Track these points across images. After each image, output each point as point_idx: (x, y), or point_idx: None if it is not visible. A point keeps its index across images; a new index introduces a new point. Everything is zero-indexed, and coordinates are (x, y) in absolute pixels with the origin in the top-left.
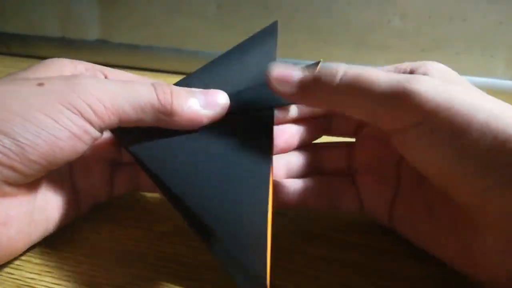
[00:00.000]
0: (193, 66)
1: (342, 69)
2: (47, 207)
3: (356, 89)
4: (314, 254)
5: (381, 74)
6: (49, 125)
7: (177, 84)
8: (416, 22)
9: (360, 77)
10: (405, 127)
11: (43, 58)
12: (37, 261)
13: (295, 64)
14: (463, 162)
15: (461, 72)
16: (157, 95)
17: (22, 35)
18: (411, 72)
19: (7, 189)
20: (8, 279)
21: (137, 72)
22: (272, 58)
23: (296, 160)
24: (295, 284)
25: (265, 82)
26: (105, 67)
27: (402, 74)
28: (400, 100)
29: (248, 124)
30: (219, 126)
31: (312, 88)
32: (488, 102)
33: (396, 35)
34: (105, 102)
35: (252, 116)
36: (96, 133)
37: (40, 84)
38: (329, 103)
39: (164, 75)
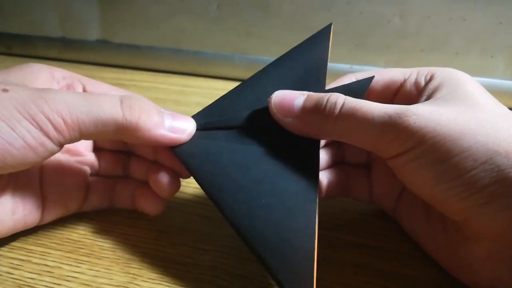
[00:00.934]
0: (193, 66)
1: (340, 101)
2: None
3: (353, 122)
4: None
5: (375, 108)
6: (4, 130)
7: (234, 90)
8: (416, 22)
9: (356, 110)
10: (397, 155)
11: (44, 58)
12: (37, 261)
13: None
14: (445, 186)
15: None
16: (122, 110)
17: (23, 35)
18: (431, 77)
19: None
20: (8, 279)
21: (138, 72)
22: (324, 62)
23: (323, 155)
24: None
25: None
26: (83, 77)
27: (396, 106)
28: (392, 133)
29: (296, 141)
30: (269, 141)
31: (313, 119)
32: (478, 126)
33: (396, 35)
34: (65, 118)
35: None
36: (54, 147)
37: (4, 90)
38: (327, 134)
39: (164, 75)
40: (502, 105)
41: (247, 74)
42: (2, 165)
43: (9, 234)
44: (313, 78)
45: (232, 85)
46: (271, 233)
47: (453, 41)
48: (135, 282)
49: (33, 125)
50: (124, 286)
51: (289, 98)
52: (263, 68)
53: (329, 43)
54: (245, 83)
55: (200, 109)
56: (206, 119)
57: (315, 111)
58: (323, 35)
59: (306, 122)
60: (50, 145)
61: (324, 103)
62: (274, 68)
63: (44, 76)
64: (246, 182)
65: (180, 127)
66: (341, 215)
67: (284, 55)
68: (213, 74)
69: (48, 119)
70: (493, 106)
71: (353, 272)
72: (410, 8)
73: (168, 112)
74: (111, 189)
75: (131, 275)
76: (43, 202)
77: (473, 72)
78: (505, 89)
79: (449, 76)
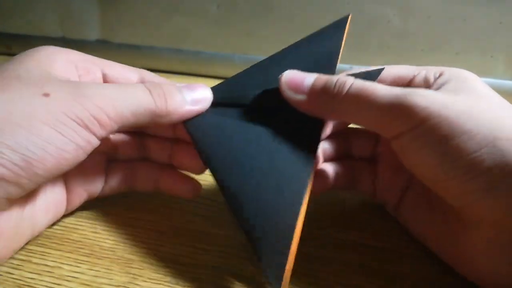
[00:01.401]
0: (193, 66)
1: (349, 81)
2: (35, 215)
3: (360, 101)
4: (314, 254)
5: (382, 89)
6: (56, 138)
7: (247, 70)
8: (416, 22)
9: (364, 90)
10: (401, 133)
11: None
12: (37, 261)
13: None
14: (446, 166)
15: None
16: (154, 99)
17: (23, 35)
18: (440, 74)
19: (4, 205)
20: (8, 279)
21: None
22: (337, 53)
23: (329, 147)
24: (295, 284)
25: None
26: (98, 59)
27: (403, 88)
28: (397, 111)
29: (300, 124)
30: (274, 121)
31: (321, 97)
32: (482, 112)
33: (396, 35)
34: (109, 113)
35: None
36: (97, 142)
37: (46, 95)
38: (335, 113)
39: (164, 75)
40: (506, 101)
41: None
42: (57, 172)
43: (40, 232)
44: (324, 66)
45: None
46: (258, 208)
47: (453, 41)
48: (135, 282)
49: (80, 125)
50: (124, 286)
51: (299, 76)
52: (278, 52)
53: (343, 34)
54: (258, 65)
55: None
56: (218, 95)
57: (324, 90)
58: (340, 25)
59: (314, 100)
60: (95, 141)
61: (334, 83)
62: (288, 53)
63: (62, 61)
64: (244, 157)
65: (199, 97)
66: (341, 215)
67: (299, 41)
68: (213, 74)
69: (94, 117)
70: (498, 99)
71: (353, 272)
72: (410, 8)
73: (185, 85)
74: (131, 172)
75: (131, 275)
76: (67, 193)
77: (473, 72)
78: (505, 89)
79: (458, 74)
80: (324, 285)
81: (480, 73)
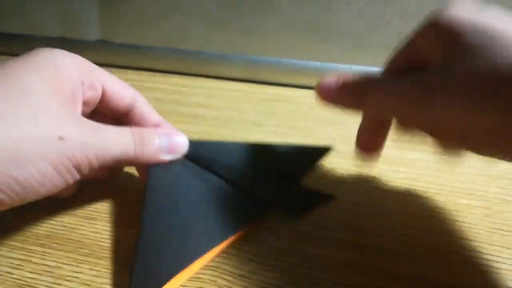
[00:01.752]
0: (193, 66)
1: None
2: None
3: None
4: (314, 254)
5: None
6: (54, 178)
7: (227, 143)
8: (416, 22)
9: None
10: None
11: None
12: (37, 260)
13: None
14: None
15: None
16: (134, 148)
17: (23, 35)
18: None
19: None
20: (8, 278)
21: (138, 72)
22: (306, 172)
23: None
24: (294, 284)
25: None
26: (101, 74)
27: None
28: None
29: (244, 202)
30: (222, 189)
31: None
32: None
33: (395, 36)
34: (100, 159)
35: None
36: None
37: (60, 138)
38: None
39: (164, 75)
40: None
41: (247, 74)
42: (35, 198)
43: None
44: (291, 176)
45: (232, 85)
46: (156, 243)
47: None
48: None
49: (76, 168)
50: (124, 285)
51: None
52: (258, 144)
53: (319, 161)
54: (239, 144)
55: (200, 109)
56: (191, 149)
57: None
58: (319, 152)
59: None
60: (79, 177)
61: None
62: (267, 149)
63: (70, 76)
64: (175, 204)
65: (176, 148)
66: (341, 215)
67: (279, 145)
68: (213, 74)
69: (89, 162)
70: None
71: (353, 272)
72: (409, 9)
73: (165, 133)
74: None
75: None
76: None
77: None
78: None
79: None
80: (324, 285)
81: None
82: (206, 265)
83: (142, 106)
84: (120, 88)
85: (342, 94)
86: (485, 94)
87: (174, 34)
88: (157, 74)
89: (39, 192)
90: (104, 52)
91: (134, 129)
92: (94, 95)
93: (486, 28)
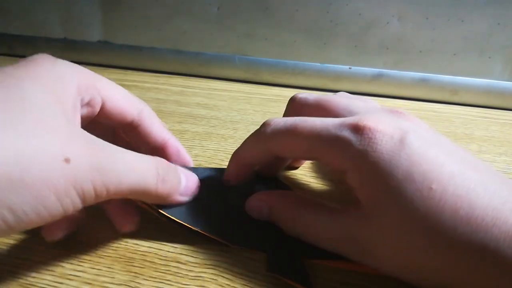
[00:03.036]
0: (194, 67)
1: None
2: None
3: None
4: None
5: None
6: (53, 206)
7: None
8: (414, 23)
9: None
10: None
11: None
12: (38, 259)
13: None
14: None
15: (459, 73)
16: (156, 183)
17: (25, 36)
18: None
19: None
20: (10, 277)
21: (139, 72)
22: None
23: None
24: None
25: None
26: (103, 86)
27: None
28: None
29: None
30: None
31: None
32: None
33: (394, 37)
34: (110, 189)
35: None
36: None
37: (66, 160)
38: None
39: (165, 75)
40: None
41: (247, 75)
42: (24, 228)
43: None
44: None
45: (233, 85)
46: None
47: (451, 42)
48: (137, 281)
49: (80, 197)
50: (126, 285)
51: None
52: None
53: None
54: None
55: (201, 109)
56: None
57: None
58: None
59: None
60: (80, 207)
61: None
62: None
63: (72, 89)
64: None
65: (189, 190)
66: None
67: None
68: (213, 75)
69: (95, 191)
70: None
71: (353, 272)
72: (408, 10)
73: (184, 173)
74: None
75: (132, 274)
76: None
77: (470, 73)
78: (503, 90)
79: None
80: (325, 285)
81: (478, 74)
82: (206, 264)
83: (149, 121)
84: (123, 104)
85: (271, 217)
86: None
87: (175, 36)
88: (158, 75)
89: (31, 223)
90: (106, 53)
91: (158, 159)
92: (91, 111)
93: (407, 174)
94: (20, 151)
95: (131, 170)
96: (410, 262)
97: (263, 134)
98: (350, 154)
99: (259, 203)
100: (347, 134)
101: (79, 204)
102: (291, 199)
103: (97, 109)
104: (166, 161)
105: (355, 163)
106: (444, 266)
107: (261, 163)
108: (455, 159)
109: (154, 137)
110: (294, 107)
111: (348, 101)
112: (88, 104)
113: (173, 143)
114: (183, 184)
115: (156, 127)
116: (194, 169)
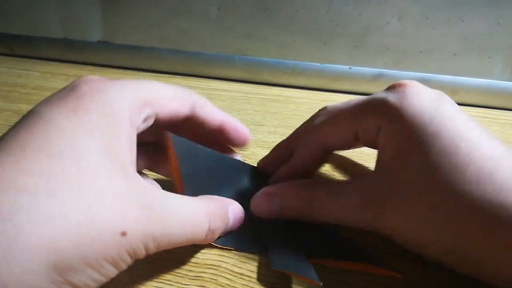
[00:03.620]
0: (194, 67)
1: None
2: None
3: None
4: None
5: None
6: (109, 272)
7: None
8: (414, 23)
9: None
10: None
11: (46, 59)
12: None
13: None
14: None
15: (459, 73)
16: (206, 236)
17: (25, 36)
18: None
19: None
20: None
21: (139, 72)
22: None
23: None
24: (295, 284)
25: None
26: (158, 98)
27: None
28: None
29: None
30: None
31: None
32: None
33: (394, 37)
34: (160, 248)
35: None
36: None
37: (123, 234)
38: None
39: (166, 75)
40: None
41: (247, 75)
42: None
43: None
44: None
45: (233, 85)
46: None
47: (451, 42)
48: (136, 280)
49: (131, 258)
50: (126, 285)
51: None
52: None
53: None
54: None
55: None
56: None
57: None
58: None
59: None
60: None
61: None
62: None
63: (126, 123)
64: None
65: (232, 229)
66: None
67: None
68: (213, 75)
69: (146, 252)
70: None
71: (354, 272)
72: (408, 10)
73: (234, 212)
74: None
75: (133, 274)
76: None
77: (470, 73)
78: (503, 90)
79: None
80: (325, 284)
81: (478, 74)
82: (206, 264)
83: (201, 110)
84: (173, 106)
85: (282, 211)
86: (428, 207)
87: (175, 36)
88: (158, 75)
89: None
90: (106, 53)
91: (212, 208)
92: (145, 126)
93: (442, 133)
94: (79, 229)
95: (183, 228)
96: (421, 228)
97: (311, 125)
98: (387, 109)
99: (268, 198)
100: (385, 93)
101: (130, 263)
102: (301, 182)
103: (151, 122)
104: (220, 208)
105: (390, 117)
106: (457, 230)
107: (311, 161)
108: (482, 128)
109: (209, 124)
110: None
111: None
112: (144, 121)
113: (229, 122)
114: (229, 226)
115: (209, 114)
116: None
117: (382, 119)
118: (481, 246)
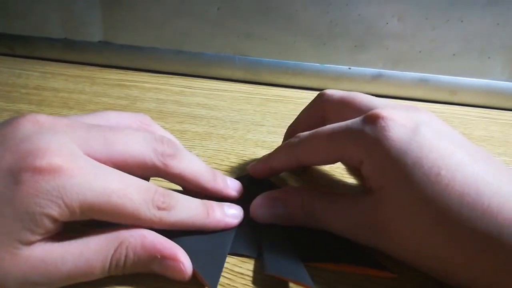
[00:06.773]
0: (194, 67)
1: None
2: None
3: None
4: None
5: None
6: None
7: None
8: (414, 23)
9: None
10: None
11: (46, 59)
12: None
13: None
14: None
15: (458, 73)
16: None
17: (25, 36)
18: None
19: None
20: None
21: (139, 73)
22: None
23: None
24: (296, 284)
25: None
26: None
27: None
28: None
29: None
30: None
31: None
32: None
33: (394, 37)
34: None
35: None
36: None
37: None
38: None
39: (166, 76)
40: None
41: (247, 75)
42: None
43: None
44: None
45: (233, 86)
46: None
47: (451, 42)
48: (137, 281)
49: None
50: (125, 284)
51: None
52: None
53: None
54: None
55: (201, 109)
56: None
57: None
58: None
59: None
60: None
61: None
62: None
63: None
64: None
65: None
66: None
67: None
68: (214, 75)
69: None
70: None
71: (354, 272)
72: (408, 10)
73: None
74: None
75: (133, 274)
76: None
77: (470, 74)
78: (503, 90)
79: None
80: (325, 284)
81: (478, 74)
82: None
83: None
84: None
85: (285, 216)
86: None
87: (175, 36)
88: (158, 75)
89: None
90: (106, 54)
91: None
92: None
93: (421, 160)
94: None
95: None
96: (420, 246)
97: (292, 144)
98: (365, 143)
99: (271, 202)
100: (362, 125)
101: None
102: (306, 189)
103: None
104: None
105: (369, 152)
106: (450, 251)
107: (288, 169)
108: (465, 151)
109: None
110: (320, 102)
111: (369, 97)
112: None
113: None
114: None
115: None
116: None
117: (363, 153)
118: (476, 267)
